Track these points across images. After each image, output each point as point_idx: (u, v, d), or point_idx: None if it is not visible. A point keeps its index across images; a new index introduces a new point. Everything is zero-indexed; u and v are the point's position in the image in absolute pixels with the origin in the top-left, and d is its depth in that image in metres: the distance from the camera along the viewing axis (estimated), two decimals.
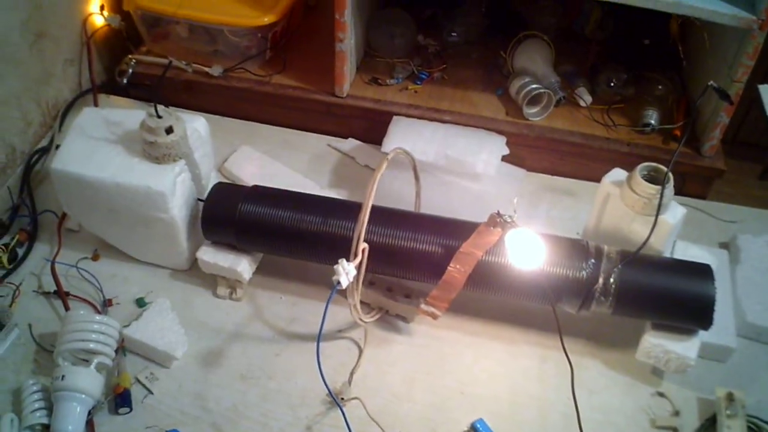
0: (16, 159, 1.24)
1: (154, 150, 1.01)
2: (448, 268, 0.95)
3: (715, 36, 1.25)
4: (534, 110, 1.32)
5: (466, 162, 1.15)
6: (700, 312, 0.95)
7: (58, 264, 1.10)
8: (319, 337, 0.84)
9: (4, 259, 1.10)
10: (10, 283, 1.08)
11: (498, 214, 0.97)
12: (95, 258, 1.13)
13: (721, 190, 1.30)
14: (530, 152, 1.30)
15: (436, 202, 1.10)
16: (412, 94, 1.36)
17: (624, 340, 1.03)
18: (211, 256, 1.05)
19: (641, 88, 1.37)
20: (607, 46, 1.46)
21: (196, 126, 1.08)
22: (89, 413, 0.92)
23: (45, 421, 0.91)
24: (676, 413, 0.98)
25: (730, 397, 0.95)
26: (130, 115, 1.08)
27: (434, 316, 0.97)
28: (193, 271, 1.10)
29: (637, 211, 1.00)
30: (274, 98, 1.37)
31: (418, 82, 1.39)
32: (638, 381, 1.01)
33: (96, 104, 1.37)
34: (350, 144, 1.35)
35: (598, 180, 1.05)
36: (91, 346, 0.93)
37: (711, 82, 1.01)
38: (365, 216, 0.89)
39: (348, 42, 1.28)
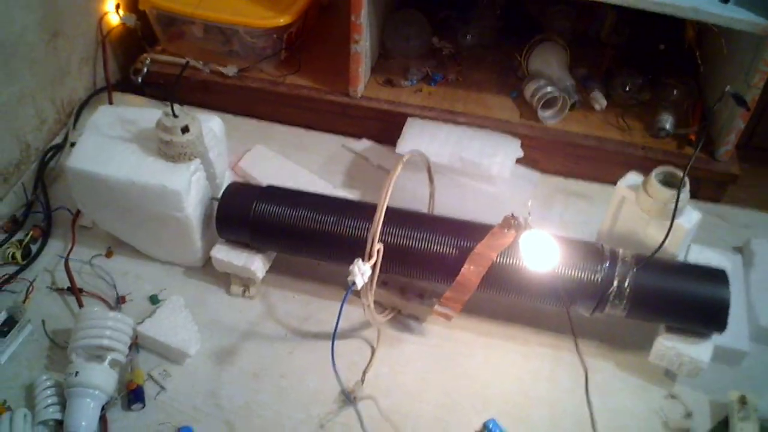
0: (31, 156, 1.25)
1: (170, 149, 1.02)
2: (462, 269, 0.95)
3: (732, 42, 1.25)
4: (548, 113, 1.31)
5: (480, 164, 1.15)
6: (714, 316, 0.95)
7: (72, 260, 1.11)
8: (334, 335, 0.84)
9: (18, 255, 1.11)
10: (24, 279, 1.08)
11: (512, 216, 0.97)
12: (109, 255, 1.13)
13: (735, 194, 1.29)
14: (544, 155, 1.30)
15: (450, 204, 1.10)
16: (427, 95, 1.37)
17: (637, 343, 1.03)
18: (224, 254, 1.06)
19: (657, 93, 1.37)
20: (622, 51, 1.46)
21: (211, 125, 1.09)
22: (102, 409, 0.93)
23: (58, 416, 0.91)
24: (689, 415, 0.98)
25: (742, 400, 0.95)
26: (145, 113, 1.09)
27: (448, 317, 0.97)
28: (206, 269, 1.10)
29: (653, 215, 1.00)
30: (289, 98, 1.38)
31: (433, 84, 1.39)
32: (651, 383, 1.01)
33: (110, 102, 1.37)
34: (364, 144, 1.35)
35: (612, 183, 1.05)
36: (105, 342, 0.94)
37: (728, 88, 1.00)
38: (380, 216, 0.89)
39: (363, 44, 1.28)
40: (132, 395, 0.95)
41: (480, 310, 1.07)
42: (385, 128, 1.32)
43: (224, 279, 1.09)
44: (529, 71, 1.37)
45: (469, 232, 0.99)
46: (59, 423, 0.91)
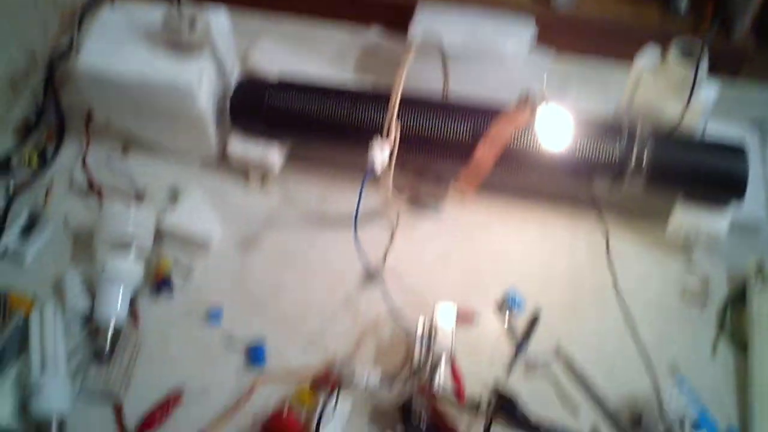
0: (38, 62, 1.23)
1: (178, 44, 1.00)
2: (477, 149, 0.96)
3: None
4: None
5: (494, 46, 1.13)
6: (732, 187, 0.95)
7: (89, 159, 1.11)
8: (357, 212, 0.84)
9: (35, 159, 1.11)
10: (43, 180, 1.09)
11: (527, 93, 0.96)
12: (125, 151, 1.13)
13: (751, 70, 1.28)
14: (559, 36, 1.27)
15: (464, 88, 1.09)
16: None
17: (655, 216, 1.04)
18: (240, 147, 1.06)
19: None
20: None
21: (217, 18, 1.07)
22: (131, 298, 0.95)
23: (87, 307, 0.94)
24: (706, 284, 1.00)
25: (760, 269, 0.97)
26: (150, 11, 1.06)
27: (464, 197, 0.98)
28: (223, 162, 1.10)
29: (671, 88, 0.99)
30: None
31: None
32: (668, 254, 1.03)
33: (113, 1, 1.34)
34: (374, 32, 1.32)
35: (629, 62, 1.04)
36: (129, 235, 0.95)
37: None
38: (398, 93, 0.89)
39: None
40: (160, 284, 0.97)
41: (497, 189, 1.07)
42: (397, 14, 1.28)
43: (241, 171, 1.09)
44: None
45: (485, 113, 0.98)
46: (89, 314, 0.94)
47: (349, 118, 1.00)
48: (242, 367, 0.91)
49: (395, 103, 0.89)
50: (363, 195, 0.86)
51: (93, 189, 1.08)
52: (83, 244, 1.01)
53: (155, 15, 1.03)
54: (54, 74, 1.22)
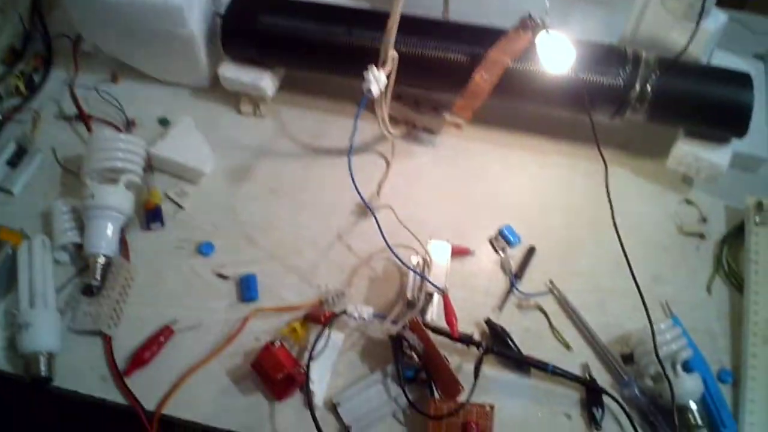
0: None
1: None
2: (474, 75, 0.92)
3: None
4: None
5: None
6: (736, 119, 0.93)
7: (77, 87, 1.08)
8: (351, 143, 0.82)
9: (22, 86, 1.08)
10: (30, 109, 1.06)
11: (529, 16, 0.92)
12: (115, 79, 1.11)
13: (756, 4, 1.24)
14: None
15: (465, 11, 1.05)
16: None
17: (655, 149, 1.02)
18: (232, 72, 1.02)
19: None
20: None
21: None
22: (121, 230, 0.93)
23: (77, 240, 0.92)
24: (704, 220, 0.98)
25: (759, 206, 0.95)
26: None
27: (458, 126, 0.95)
28: (215, 89, 1.08)
29: (678, 15, 0.95)
30: None
31: None
32: (667, 189, 1.01)
33: None
34: None
35: None
36: (119, 164, 0.93)
37: None
38: (395, 20, 0.85)
39: None
40: (150, 215, 0.96)
41: (496, 120, 1.05)
42: None
43: (234, 98, 1.07)
44: None
45: (484, 37, 0.94)
46: (78, 246, 0.92)
47: (345, 41, 0.97)
48: (234, 301, 0.91)
49: (393, 26, 0.85)
50: (358, 125, 0.83)
51: (81, 118, 1.05)
52: (72, 175, 0.99)
53: None
54: None
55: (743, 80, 0.93)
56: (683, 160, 0.97)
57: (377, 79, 0.84)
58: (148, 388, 0.84)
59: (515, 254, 0.95)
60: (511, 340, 0.87)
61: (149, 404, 0.83)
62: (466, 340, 0.85)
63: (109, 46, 1.08)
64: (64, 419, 1.25)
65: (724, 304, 0.92)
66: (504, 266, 0.94)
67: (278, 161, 1.03)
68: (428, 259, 0.87)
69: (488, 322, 0.88)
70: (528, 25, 0.92)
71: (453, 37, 0.95)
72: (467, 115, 0.94)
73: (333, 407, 0.83)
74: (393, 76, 0.90)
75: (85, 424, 1.22)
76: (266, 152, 1.03)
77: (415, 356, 0.83)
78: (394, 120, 1.03)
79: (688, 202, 1.00)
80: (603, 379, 0.86)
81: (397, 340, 0.83)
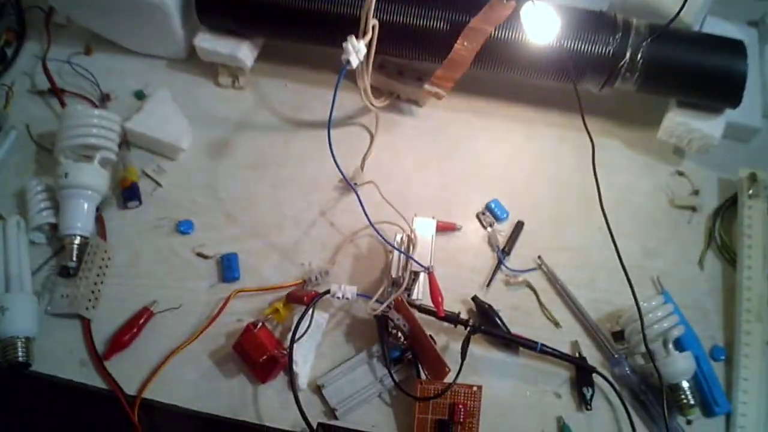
0: None
1: None
2: (455, 45, 0.89)
3: None
4: None
5: None
6: (729, 89, 0.90)
7: (50, 61, 1.04)
8: (330, 118, 0.79)
9: None
10: (3, 84, 1.02)
11: None
12: (88, 52, 1.06)
13: None
14: None
15: None
16: None
17: (645, 120, 0.99)
18: (209, 43, 0.98)
19: None
20: None
21: None
22: (97, 209, 0.91)
23: (52, 220, 0.89)
24: (696, 192, 0.96)
25: (753, 178, 0.93)
26: None
27: (438, 97, 0.92)
28: (192, 60, 1.04)
29: None
30: None
31: None
32: (658, 161, 0.99)
33: None
34: None
35: None
36: (92, 140, 0.90)
37: None
38: None
39: None
40: (127, 193, 0.93)
41: (482, 90, 1.02)
42: None
43: (211, 70, 1.03)
44: None
45: (468, 4, 0.91)
46: (54, 227, 0.89)
47: (324, 9, 0.92)
48: (215, 281, 0.88)
49: None
50: (338, 96, 0.80)
51: (54, 92, 1.01)
52: (47, 153, 0.96)
53: None
54: None
55: (737, 48, 0.90)
56: (675, 131, 0.94)
57: (356, 50, 0.80)
58: (128, 371, 0.82)
59: (503, 229, 0.93)
60: (499, 318, 0.85)
61: (130, 388, 0.82)
62: (453, 319, 0.83)
63: (82, 17, 1.03)
64: (44, 403, 1.23)
65: (716, 279, 0.90)
66: (491, 242, 0.92)
67: (258, 135, 0.99)
68: (413, 236, 0.84)
69: (475, 299, 0.87)
70: None
71: (435, 4, 0.91)
72: (448, 85, 0.91)
73: (318, 389, 0.82)
74: (374, 46, 0.87)
75: (65, 408, 1.21)
76: (246, 126, 1.00)
77: (401, 336, 0.81)
78: (377, 91, 0.99)
79: (680, 174, 0.98)
80: (593, 357, 0.85)
81: (382, 320, 0.82)
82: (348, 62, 0.81)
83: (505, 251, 0.91)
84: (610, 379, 0.82)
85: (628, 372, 0.82)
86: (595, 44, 0.90)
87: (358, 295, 0.83)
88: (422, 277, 0.84)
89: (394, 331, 0.81)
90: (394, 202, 0.88)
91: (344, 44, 0.81)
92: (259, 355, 0.79)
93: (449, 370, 0.79)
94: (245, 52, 0.99)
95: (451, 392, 0.79)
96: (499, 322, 0.85)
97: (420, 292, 0.84)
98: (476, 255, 0.91)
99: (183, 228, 0.91)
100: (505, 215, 0.93)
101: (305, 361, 0.83)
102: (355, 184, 0.92)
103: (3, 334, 0.81)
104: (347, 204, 0.94)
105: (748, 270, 0.87)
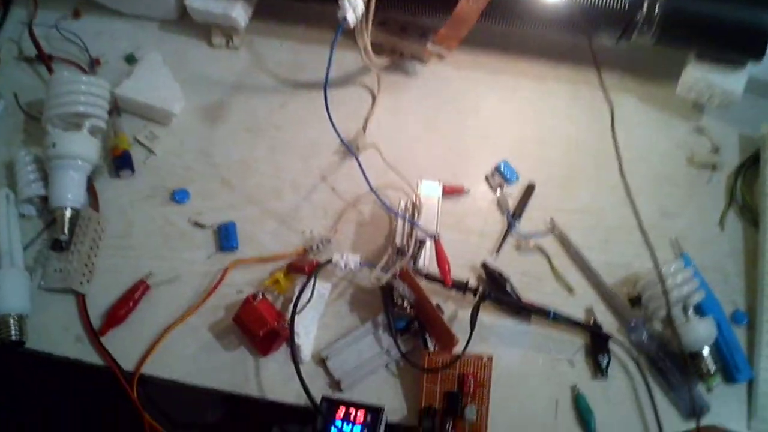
0: None
1: None
2: (460, 1, 0.85)
3: None
4: None
5: None
6: (752, 41, 0.86)
7: (37, 26, 1.00)
8: (326, 80, 0.75)
9: None
10: None
11: None
12: (77, 15, 1.02)
13: None
14: None
15: None
16: None
17: (663, 74, 0.95)
18: (201, 2, 0.94)
19: None
20: None
21: None
22: (88, 179, 0.88)
23: (42, 192, 0.86)
24: (716, 150, 0.92)
25: None
26: None
27: (441, 57, 0.88)
28: (184, 20, 1.00)
29: None
30: None
31: None
32: (676, 117, 0.94)
33: None
34: None
35: None
36: (81, 108, 0.87)
37: None
38: None
39: None
40: (119, 161, 0.90)
41: (489, 45, 0.98)
42: None
43: (204, 30, 0.99)
44: None
45: None
46: (44, 199, 0.87)
47: None
48: (212, 251, 0.86)
49: None
50: (334, 56, 0.76)
51: (42, 59, 0.97)
52: (36, 122, 0.92)
53: None
54: None
55: None
56: (694, 86, 0.90)
57: (353, 6, 0.76)
58: (125, 346, 0.80)
59: (513, 192, 0.89)
60: (510, 285, 0.82)
61: (127, 364, 0.80)
62: (461, 287, 0.80)
63: None
64: (40, 381, 1.22)
65: (737, 241, 0.87)
66: (501, 205, 0.88)
67: (254, 97, 0.96)
68: (418, 202, 0.80)
69: (484, 266, 0.84)
70: None
71: None
72: (452, 44, 0.87)
73: (322, 361, 0.79)
74: (373, 1, 0.82)
75: (61, 386, 1.19)
76: (241, 88, 0.96)
77: (407, 306, 0.78)
78: (379, 49, 0.95)
79: (699, 130, 0.94)
80: (608, 323, 0.82)
81: (387, 290, 0.79)
82: (345, 19, 0.77)
83: (515, 215, 0.87)
84: (627, 346, 0.79)
85: (646, 339, 0.79)
86: None
87: (361, 263, 0.80)
88: (428, 243, 0.81)
89: (400, 301, 0.78)
90: (398, 165, 0.85)
91: (340, 1, 0.76)
92: (259, 328, 0.77)
93: (458, 341, 0.76)
94: (239, 11, 0.94)
95: (460, 362, 0.76)
96: (509, 289, 0.82)
97: (426, 260, 0.81)
98: (485, 219, 0.88)
99: (178, 197, 0.88)
100: (514, 177, 0.90)
101: (308, 333, 0.80)
102: (357, 148, 0.88)
103: None
104: (349, 168, 0.90)
105: None
